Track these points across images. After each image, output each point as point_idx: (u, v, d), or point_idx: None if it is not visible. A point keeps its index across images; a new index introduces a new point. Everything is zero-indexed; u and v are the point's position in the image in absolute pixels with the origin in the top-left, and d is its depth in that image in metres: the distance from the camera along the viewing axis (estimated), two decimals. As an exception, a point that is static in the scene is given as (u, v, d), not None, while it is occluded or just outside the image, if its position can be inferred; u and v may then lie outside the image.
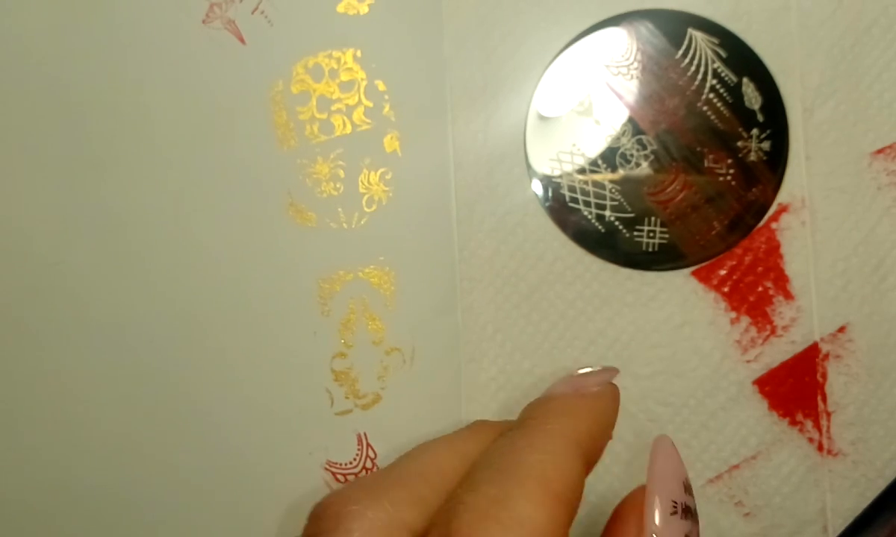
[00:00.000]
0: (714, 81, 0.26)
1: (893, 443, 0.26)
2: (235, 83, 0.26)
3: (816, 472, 0.26)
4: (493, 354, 0.26)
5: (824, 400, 0.26)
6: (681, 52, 0.26)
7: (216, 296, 0.27)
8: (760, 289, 0.26)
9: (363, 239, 0.26)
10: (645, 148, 0.26)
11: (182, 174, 0.26)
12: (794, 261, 0.26)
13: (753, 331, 0.26)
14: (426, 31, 0.26)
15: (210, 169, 0.26)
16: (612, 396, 0.21)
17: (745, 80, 0.26)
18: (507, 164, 0.26)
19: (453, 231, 0.26)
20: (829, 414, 0.26)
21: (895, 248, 0.26)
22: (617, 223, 0.26)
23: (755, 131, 0.26)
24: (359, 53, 0.26)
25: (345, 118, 0.26)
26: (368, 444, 0.27)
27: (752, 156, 0.26)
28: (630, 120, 0.26)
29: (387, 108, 0.26)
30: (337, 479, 0.27)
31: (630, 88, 0.26)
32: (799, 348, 0.26)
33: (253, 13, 0.26)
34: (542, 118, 0.26)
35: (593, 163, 0.26)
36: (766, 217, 0.26)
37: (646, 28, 0.26)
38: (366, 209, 0.26)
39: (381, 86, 0.26)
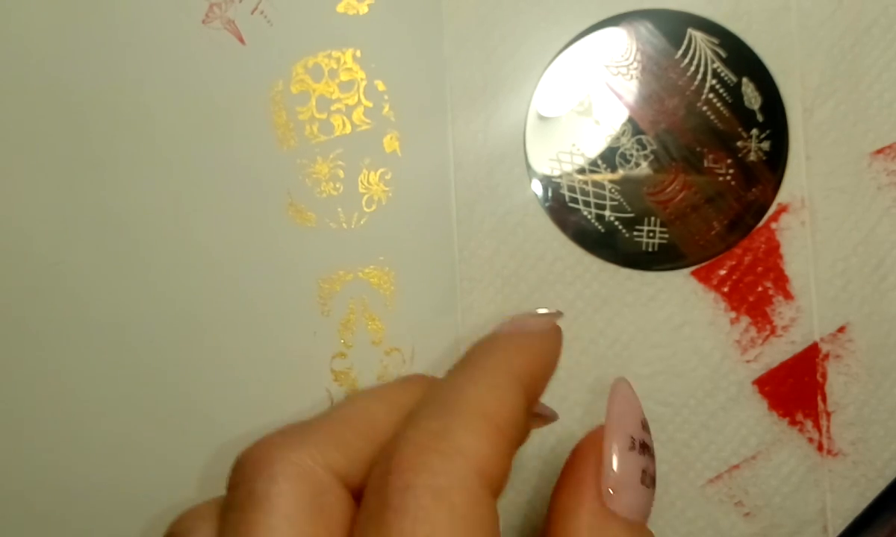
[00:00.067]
0: (714, 81, 0.26)
1: (893, 443, 0.26)
2: (235, 83, 0.26)
3: (816, 472, 0.26)
4: (493, 354, 0.26)
5: (824, 400, 0.26)
6: (680, 52, 0.26)
7: (216, 296, 0.27)
8: (760, 289, 0.26)
9: (363, 239, 0.26)
10: (645, 148, 0.26)
11: (182, 174, 0.26)
12: (794, 261, 0.26)
13: (753, 331, 0.26)
14: (426, 31, 0.26)
15: (210, 169, 0.26)
16: (554, 335, 0.21)
17: (744, 80, 0.26)
18: (507, 164, 0.26)
19: (453, 231, 0.26)
20: (829, 414, 0.26)
21: (895, 248, 0.26)
22: (617, 223, 0.26)
23: (755, 131, 0.26)
24: (358, 53, 0.26)
25: (344, 118, 0.26)
26: (368, 444, 0.27)
27: (752, 156, 0.26)
28: (630, 120, 0.26)
29: (386, 108, 0.26)
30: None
31: (630, 88, 0.26)
32: (799, 348, 0.26)
33: (253, 13, 0.26)
34: (541, 118, 0.26)
35: (593, 163, 0.26)
36: (765, 217, 0.26)
37: (645, 28, 0.26)
38: (365, 209, 0.26)
39: (380, 86, 0.26)
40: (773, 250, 0.26)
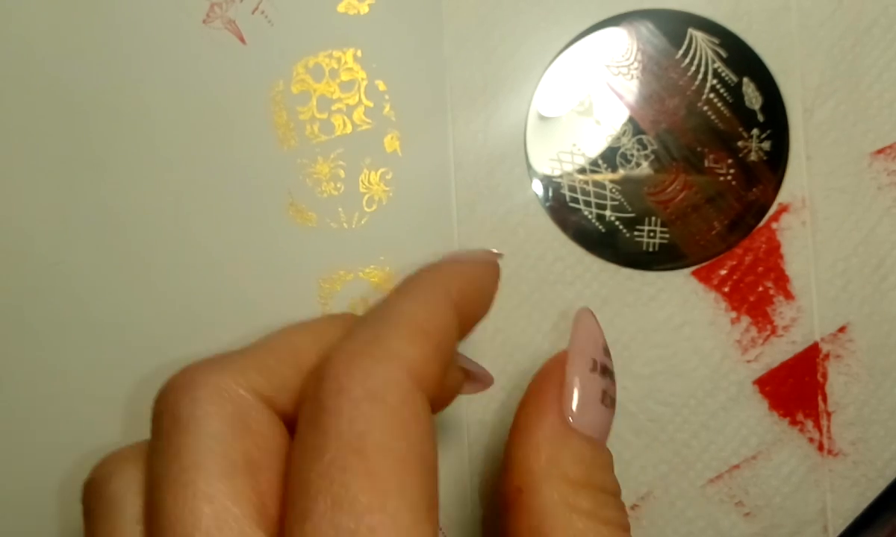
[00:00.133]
0: (714, 81, 0.26)
1: (893, 443, 0.26)
2: (235, 83, 0.26)
3: (817, 472, 0.26)
4: (493, 354, 0.26)
5: (824, 400, 0.26)
6: (681, 52, 0.26)
7: (216, 296, 0.26)
8: (761, 289, 0.26)
9: (363, 239, 0.26)
10: (645, 148, 0.26)
11: (182, 174, 0.26)
12: (795, 261, 0.26)
13: (754, 331, 0.26)
14: (426, 31, 0.26)
15: (210, 169, 0.26)
16: (490, 266, 0.21)
17: (745, 80, 0.26)
18: (507, 164, 0.26)
19: (454, 231, 0.26)
20: (829, 414, 0.26)
21: (895, 248, 0.26)
22: (617, 223, 0.26)
23: (755, 131, 0.26)
24: (359, 53, 0.26)
25: (345, 118, 0.26)
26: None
27: (753, 156, 0.26)
28: (630, 120, 0.26)
29: (387, 108, 0.26)
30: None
31: (630, 88, 0.26)
32: (799, 348, 0.26)
33: (253, 13, 0.26)
34: (542, 118, 0.26)
35: (594, 163, 0.26)
36: (766, 217, 0.26)
37: (646, 28, 0.26)
38: (366, 209, 0.26)
39: (381, 86, 0.26)
40: (774, 250, 0.26)
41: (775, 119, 0.26)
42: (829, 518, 0.26)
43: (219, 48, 0.26)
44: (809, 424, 0.26)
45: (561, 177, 0.26)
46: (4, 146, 0.27)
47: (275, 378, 0.17)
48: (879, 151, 0.26)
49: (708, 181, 0.26)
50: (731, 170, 0.26)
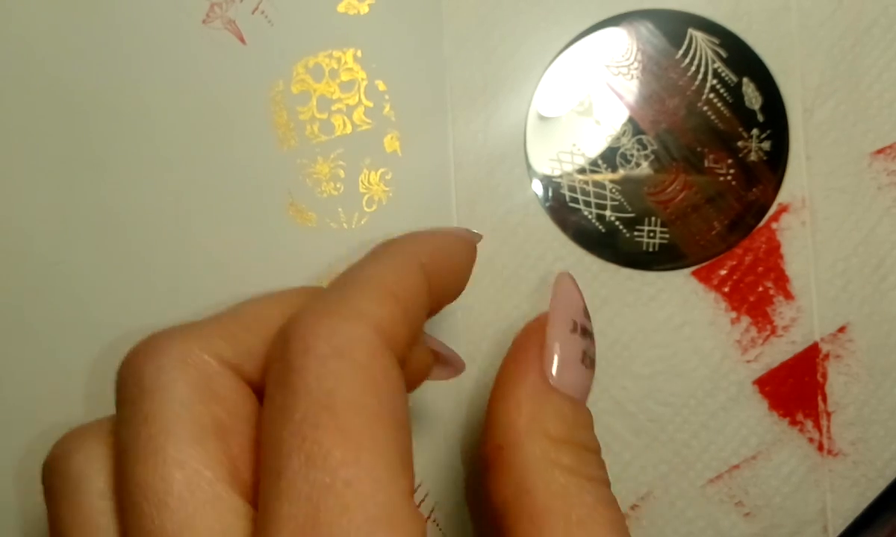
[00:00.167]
0: (714, 81, 0.26)
1: (893, 443, 0.26)
2: (235, 83, 0.26)
3: (816, 472, 0.26)
4: (494, 354, 0.26)
5: (824, 400, 0.26)
6: (681, 52, 0.26)
7: (216, 296, 0.26)
8: (761, 289, 0.26)
9: (363, 239, 0.26)
10: (645, 148, 0.26)
11: (182, 174, 0.26)
12: (795, 261, 0.26)
13: (754, 331, 0.26)
14: (426, 31, 0.26)
15: (210, 169, 0.26)
16: (466, 242, 0.21)
17: (745, 80, 0.26)
18: (507, 164, 0.26)
19: (453, 231, 0.26)
20: (829, 414, 0.26)
21: (895, 248, 0.26)
22: (617, 223, 0.26)
23: (755, 131, 0.26)
24: (359, 53, 0.26)
25: (345, 118, 0.26)
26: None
27: (753, 156, 0.26)
28: (630, 120, 0.26)
29: (387, 108, 0.26)
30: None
31: (630, 88, 0.26)
32: (799, 348, 0.26)
33: (253, 13, 0.26)
34: (542, 118, 0.26)
35: (593, 163, 0.26)
36: (766, 217, 0.26)
37: (646, 28, 0.26)
38: (366, 209, 0.26)
39: (381, 86, 0.26)
40: (774, 250, 0.26)
41: (775, 119, 0.26)
42: (829, 518, 0.26)
43: (218, 48, 0.26)
44: (809, 424, 0.26)
45: (561, 177, 0.26)
46: (4, 146, 0.27)
47: (240, 345, 0.17)
48: (879, 151, 0.26)
49: (708, 181, 0.26)
50: (731, 171, 0.26)
